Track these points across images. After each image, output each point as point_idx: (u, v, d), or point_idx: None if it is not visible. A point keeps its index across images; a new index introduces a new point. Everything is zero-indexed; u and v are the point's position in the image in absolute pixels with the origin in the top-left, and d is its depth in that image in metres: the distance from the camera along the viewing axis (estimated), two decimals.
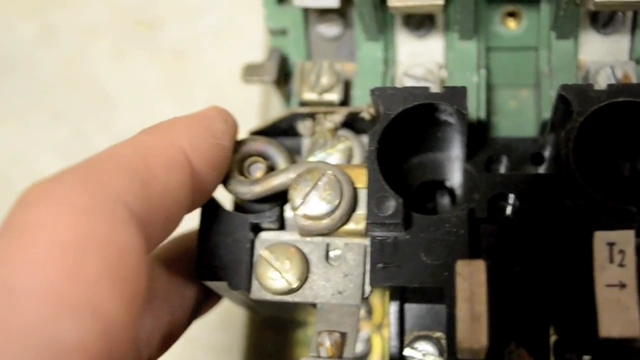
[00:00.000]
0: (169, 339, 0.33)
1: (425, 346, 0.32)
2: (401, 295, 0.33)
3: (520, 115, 0.37)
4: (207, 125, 0.30)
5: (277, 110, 0.45)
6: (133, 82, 0.60)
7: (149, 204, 0.25)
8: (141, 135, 0.28)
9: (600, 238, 0.27)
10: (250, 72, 0.38)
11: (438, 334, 0.32)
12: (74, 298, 0.21)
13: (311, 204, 0.30)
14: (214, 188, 0.31)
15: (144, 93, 0.60)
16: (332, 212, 0.30)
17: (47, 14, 0.63)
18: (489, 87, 0.37)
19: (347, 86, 0.37)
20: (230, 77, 0.53)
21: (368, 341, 0.41)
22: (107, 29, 0.62)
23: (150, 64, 0.60)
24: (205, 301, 0.35)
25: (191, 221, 0.35)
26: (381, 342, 0.41)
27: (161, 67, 0.60)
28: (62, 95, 0.61)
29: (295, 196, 0.30)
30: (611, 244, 0.27)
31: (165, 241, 0.35)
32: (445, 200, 0.36)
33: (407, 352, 0.32)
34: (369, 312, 0.41)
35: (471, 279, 0.27)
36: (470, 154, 0.34)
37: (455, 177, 0.35)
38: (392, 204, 0.29)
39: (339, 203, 0.30)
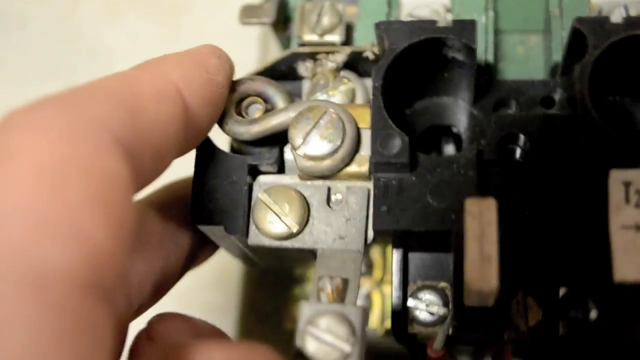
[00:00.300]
0: (161, 287, 0.32)
1: (429, 296, 0.31)
2: (405, 242, 0.31)
3: (528, 61, 0.36)
4: (199, 60, 0.28)
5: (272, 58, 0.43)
6: (127, 38, 0.58)
7: (137, 133, 0.24)
8: (131, 69, 0.27)
9: (616, 177, 0.26)
10: (249, 13, 0.36)
11: (443, 284, 0.31)
12: (55, 221, 0.20)
13: (312, 143, 0.29)
14: (208, 127, 0.29)
15: (139, 49, 0.58)
16: (334, 152, 0.29)
17: None
18: (497, 32, 0.36)
19: (348, 30, 0.36)
20: (227, 31, 0.51)
21: (368, 297, 0.40)
22: None
23: (145, 19, 0.59)
24: (200, 250, 0.34)
25: (185, 169, 0.34)
26: (381, 299, 0.40)
27: (156, 22, 0.58)
28: (56, 52, 0.60)
29: (296, 135, 0.29)
30: (627, 184, 0.26)
31: (159, 187, 0.33)
32: (450, 148, 0.34)
33: (410, 302, 0.31)
34: (369, 267, 0.40)
35: (481, 218, 0.25)
36: (477, 98, 0.32)
37: (461, 122, 0.33)
38: (397, 142, 0.28)
39: (342, 142, 0.29)
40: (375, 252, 0.40)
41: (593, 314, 0.35)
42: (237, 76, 0.31)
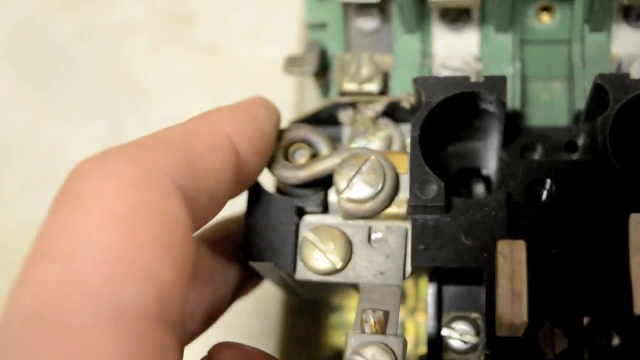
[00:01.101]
0: (211, 317, 0.34)
1: (462, 326, 0.33)
2: (439, 277, 0.34)
3: (553, 106, 0.38)
4: (250, 112, 0.31)
5: (312, 103, 0.46)
6: (168, 77, 0.62)
7: (194, 180, 0.27)
8: (188, 121, 0.30)
9: (636, 220, 0.29)
10: (292, 63, 0.39)
11: (475, 315, 0.34)
12: (128, 262, 0.23)
13: (355, 187, 0.32)
14: (258, 172, 0.32)
15: (179, 87, 0.61)
16: (376, 195, 0.31)
17: (84, 10, 0.65)
18: (523, 79, 0.38)
19: (385, 78, 0.38)
20: (264, 73, 0.54)
21: (401, 325, 0.42)
22: (142, 24, 0.63)
23: (185, 59, 0.62)
24: (246, 283, 0.37)
25: (233, 207, 0.37)
26: (414, 326, 0.42)
27: (196, 62, 0.62)
28: (99, 90, 0.63)
29: (340, 180, 0.32)
30: None
31: (210, 223, 0.36)
32: (479, 188, 0.37)
33: (444, 332, 0.34)
34: (403, 297, 0.43)
35: (512, 258, 0.28)
36: (505, 143, 0.35)
37: (490, 165, 0.36)
38: (434, 188, 0.30)
39: (382, 187, 0.31)
40: (409, 284, 0.43)
41: (616, 341, 0.38)
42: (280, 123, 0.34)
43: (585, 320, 0.37)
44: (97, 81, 0.63)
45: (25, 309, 0.22)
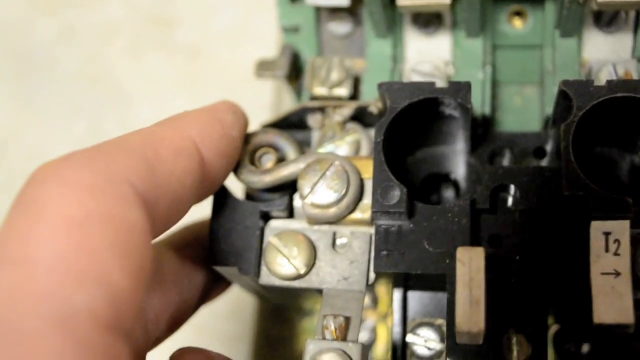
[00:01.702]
0: (176, 321, 0.34)
1: (427, 332, 0.33)
2: (404, 282, 0.34)
3: (525, 111, 0.38)
4: (216, 116, 0.31)
5: (288, 106, 0.46)
6: (149, 79, 0.61)
7: (155, 186, 0.26)
8: (152, 126, 0.29)
9: (597, 227, 0.28)
10: (263, 67, 0.39)
11: (440, 321, 0.34)
12: (82, 268, 0.23)
13: (319, 192, 0.31)
14: (223, 177, 0.32)
15: (160, 89, 0.61)
16: (339, 200, 0.31)
17: (66, 12, 0.65)
18: (495, 84, 0.38)
19: (356, 82, 0.38)
20: (244, 75, 0.54)
21: (373, 330, 0.42)
22: (124, 27, 0.63)
23: (166, 61, 0.62)
24: (214, 287, 0.37)
25: (200, 212, 0.37)
26: (386, 332, 0.42)
27: (177, 64, 0.61)
28: (80, 92, 0.63)
29: (304, 185, 0.32)
30: (607, 234, 0.28)
31: (175, 228, 0.36)
32: (449, 193, 0.37)
33: (409, 338, 0.33)
34: (375, 302, 0.42)
35: (471, 265, 0.28)
36: (474, 148, 0.35)
37: (459, 170, 0.36)
38: (396, 194, 0.30)
39: (346, 192, 0.31)
40: (382, 288, 0.43)
41: (585, 348, 0.38)
42: (251, 119, 0.34)
43: (555, 327, 0.37)
44: (79, 83, 0.63)
45: None
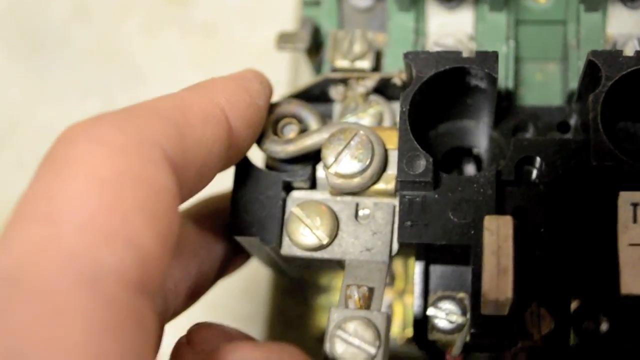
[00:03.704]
0: (195, 293, 0.34)
1: (448, 305, 0.33)
2: (427, 255, 0.33)
3: (547, 87, 0.38)
4: (244, 85, 0.31)
5: (305, 83, 0.46)
6: (163, 57, 0.61)
7: (184, 150, 0.26)
8: (181, 91, 0.29)
9: (625, 198, 0.28)
10: (284, 39, 0.39)
11: (461, 295, 0.33)
12: (112, 229, 0.23)
13: (343, 162, 0.31)
14: (248, 146, 0.32)
15: (174, 68, 0.61)
16: (364, 170, 0.31)
17: None
18: (517, 60, 0.38)
19: (377, 56, 0.38)
20: (259, 53, 0.54)
21: (389, 307, 0.42)
22: (139, 4, 0.63)
23: (181, 40, 0.61)
24: (232, 260, 0.36)
25: (223, 183, 0.36)
26: (402, 309, 0.42)
27: (191, 43, 0.61)
28: (94, 70, 0.62)
29: (328, 155, 0.31)
30: (635, 205, 0.28)
31: (197, 199, 0.36)
32: (470, 168, 0.36)
33: (430, 311, 0.33)
34: (392, 278, 0.42)
35: (498, 233, 0.27)
36: (497, 122, 0.35)
37: (482, 144, 0.35)
38: (422, 163, 0.30)
39: (370, 162, 0.31)
40: (398, 265, 0.43)
41: (604, 326, 0.38)
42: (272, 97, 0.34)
43: (574, 304, 0.37)
44: (92, 61, 0.62)
45: (3, 270, 0.22)
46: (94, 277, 0.22)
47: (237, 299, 0.52)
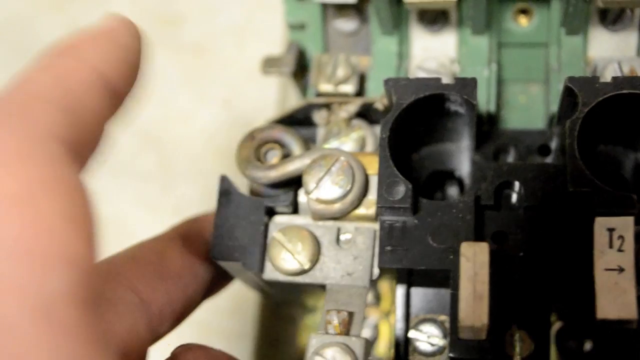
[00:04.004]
0: (180, 315, 0.34)
1: (430, 328, 0.33)
2: (408, 278, 0.34)
3: (530, 109, 0.38)
4: (115, 40, 0.28)
5: (293, 103, 0.46)
6: (154, 77, 0.61)
7: (77, 128, 0.25)
8: (52, 58, 0.27)
9: (601, 224, 0.28)
10: (269, 64, 0.39)
11: (442, 317, 0.34)
12: (45, 249, 0.21)
13: (324, 188, 0.31)
14: (132, 91, 0.29)
15: (165, 88, 0.61)
16: (344, 196, 0.31)
17: (72, 8, 0.65)
18: (500, 82, 0.38)
19: (362, 79, 0.38)
20: (249, 73, 0.54)
21: (376, 327, 0.42)
22: None
23: (172, 60, 0.62)
24: (218, 282, 0.37)
25: (205, 206, 0.37)
26: (389, 329, 0.42)
27: (182, 62, 0.62)
28: None
29: (309, 180, 0.32)
30: (611, 230, 0.28)
31: (181, 222, 0.36)
32: (453, 190, 0.37)
33: (412, 334, 0.33)
34: (377, 299, 0.42)
35: (475, 260, 0.28)
36: (478, 145, 0.35)
37: (463, 167, 0.36)
38: (401, 189, 0.30)
39: (351, 188, 0.31)
40: (385, 285, 0.43)
41: (587, 346, 0.38)
42: (257, 116, 0.34)
43: (557, 324, 0.37)
44: None
45: None
46: (48, 305, 0.21)
47: (225, 317, 0.52)
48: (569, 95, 0.31)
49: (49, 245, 0.21)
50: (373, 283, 0.32)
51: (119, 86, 0.27)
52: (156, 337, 0.33)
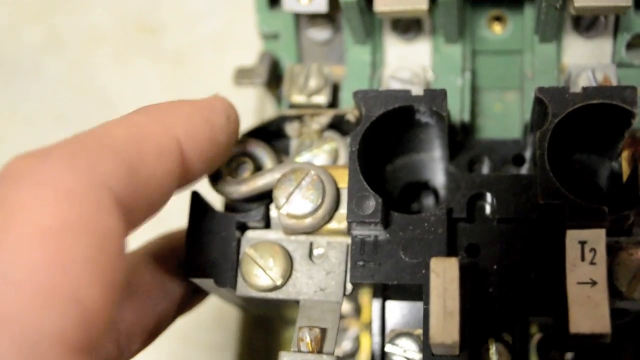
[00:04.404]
0: (151, 333, 0.33)
1: (406, 343, 0.33)
2: (383, 292, 0.33)
3: (506, 117, 0.38)
4: (207, 116, 0.29)
5: (271, 112, 0.46)
6: (135, 86, 0.61)
7: (135, 190, 0.25)
8: (138, 115, 0.27)
9: (572, 237, 0.28)
10: (242, 75, 0.39)
11: (419, 331, 0.33)
12: (53, 286, 0.21)
13: (294, 203, 0.31)
14: (200, 179, 0.30)
15: (145, 96, 0.60)
16: (315, 211, 0.31)
17: (52, 19, 0.65)
18: (476, 90, 0.38)
19: (336, 89, 0.38)
20: (229, 81, 0.54)
21: (356, 340, 0.42)
22: (109, 34, 0.63)
23: (152, 69, 0.61)
24: (192, 298, 0.36)
25: (176, 222, 0.36)
26: (369, 341, 0.42)
27: (162, 71, 0.61)
28: (65, 100, 0.62)
29: (280, 195, 0.31)
30: (583, 243, 0.28)
31: (153, 238, 0.36)
32: (429, 201, 0.36)
33: (388, 348, 0.33)
34: (357, 311, 0.42)
35: (445, 276, 0.27)
36: (453, 155, 0.34)
37: (438, 178, 0.35)
38: (371, 204, 0.30)
39: (322, 202, 0.31)
40: (365, 297, 0.42)
41: (569, 356, 0.38)
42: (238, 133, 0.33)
43: (538, 335, 0.37)
44: (64, 90, 0.63)
45: None
46: (32, 342, 0.21)
47: (207, 330, 0.52)
48: (540, 105, 0.31)
49: (60, 282, 0.21)
50: (352, 296, 0.32)
51: (192, 161, 0.28)
52: (127, 355, 0.32)
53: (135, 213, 0.26)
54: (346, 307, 0.41)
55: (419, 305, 0.34)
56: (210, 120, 0.29)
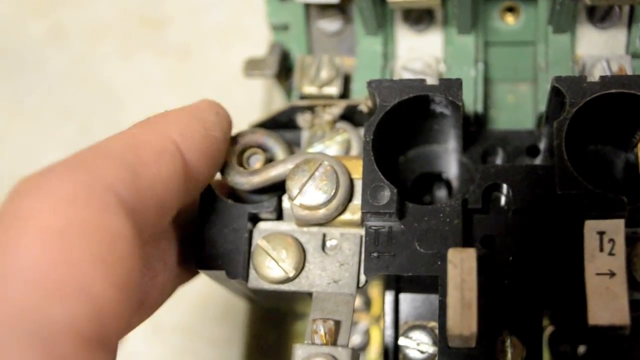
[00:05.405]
0: (151, 307, 0.33)
1: (419, 335, 0.33)
2: (396, 284, 0.33)
3: (519, 109, 0.38)
4: (197, 116, 0.30)
5: (279, 105, 0.45)
6: (139, 80, 0.61)
7: (139, 191, 0.26)
8: (133, 128, 0.29)
9: (591, 227, 0.28)
10: (252, 66, 0.39)
11: (432, 324, 0.33)
12: (61, 280, 0.22)
13: (308, 193, 0.31)
14: (207, 178, 0.31)
15: (150, 91, 0.60)
16: (329, 202, 0.31)
17: (56, 13, 0.64)
18: (488, 82, 0.37)
19: (347, 80, 0.38)
20: (235, 75, 0.53)
21: (366, 333, 0.41)
22: (114, 27, 0.63)
23: (157, 62, 0.61)
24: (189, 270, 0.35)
25: None
26: (380, 334, 0.41)
27: (167, 65, 0.61)
28: (70, 94, 0.62)
29: (293, 186, 0.31)
30: (601, 233, 0.28)
31: None
32: (442, 193, 0.36)
33: (401, 341, 0.33)
34: (368, 304, 0.42)
35: (462, 267, 0.27)
36: (466, 147, 0.34)
37: (451, 169, 0.35)
38: (386, 194, 0.30)
39: (335, 193, 0.31)
40: (375, 290, 0.42)
41: (581, 349, 0.37)
42: (243, 118, 0.33)
43: (550, 328, 0.36)
44: (68, 83, 0.62)
45: None
46: (45, 334, 0.21)
47: (214, 324, 0.51)
48: (557, 95, 0.30)
49: (67, 278, 0.22)
50: (362, 289, 0.32)
51: (192, 160, 0.29)
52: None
53: (145, 215, 0.26)
54: (356, 300, 0.41)
55: (432, 297, 0.33)
56: (200, 118, 0.30)
